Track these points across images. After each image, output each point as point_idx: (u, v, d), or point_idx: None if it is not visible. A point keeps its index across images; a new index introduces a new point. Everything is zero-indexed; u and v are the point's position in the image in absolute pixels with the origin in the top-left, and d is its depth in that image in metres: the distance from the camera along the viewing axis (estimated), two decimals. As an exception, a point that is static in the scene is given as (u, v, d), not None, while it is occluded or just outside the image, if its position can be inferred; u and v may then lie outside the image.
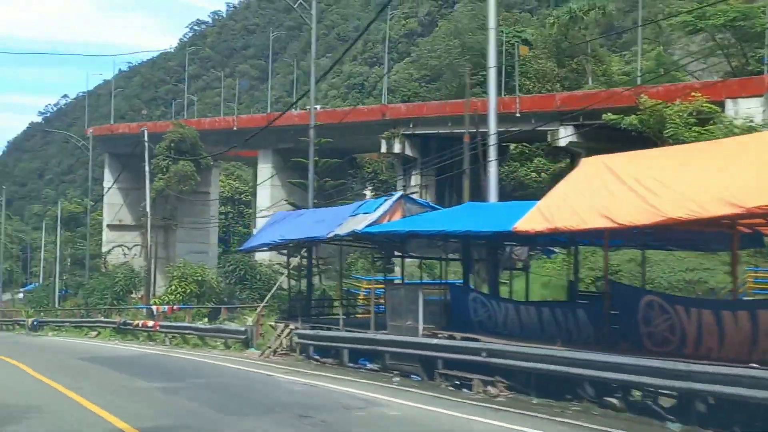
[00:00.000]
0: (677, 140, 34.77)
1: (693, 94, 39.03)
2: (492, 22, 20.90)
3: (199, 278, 34.55)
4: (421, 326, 16.18)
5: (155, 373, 17.58)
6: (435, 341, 15.58)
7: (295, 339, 17.69)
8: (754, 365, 10.43)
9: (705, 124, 37.74)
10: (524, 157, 60.90)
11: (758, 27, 45.10)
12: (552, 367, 12.85)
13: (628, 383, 11.97)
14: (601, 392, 12.36)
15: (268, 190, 70.78)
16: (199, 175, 59.45)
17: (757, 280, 26.66)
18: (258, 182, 72.00)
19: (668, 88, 43.90)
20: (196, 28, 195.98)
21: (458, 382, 14.81)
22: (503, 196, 23.93)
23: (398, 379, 16.01)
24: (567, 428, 11.14)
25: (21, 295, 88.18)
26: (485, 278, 18.12)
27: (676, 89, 42.68)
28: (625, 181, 12.29)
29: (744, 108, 40.07)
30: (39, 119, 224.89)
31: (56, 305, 52.36)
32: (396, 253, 19.33)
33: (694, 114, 38.02)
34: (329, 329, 18.38)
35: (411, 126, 60.45)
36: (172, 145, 53.57)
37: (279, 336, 18.48)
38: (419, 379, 15.76)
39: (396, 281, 23.10)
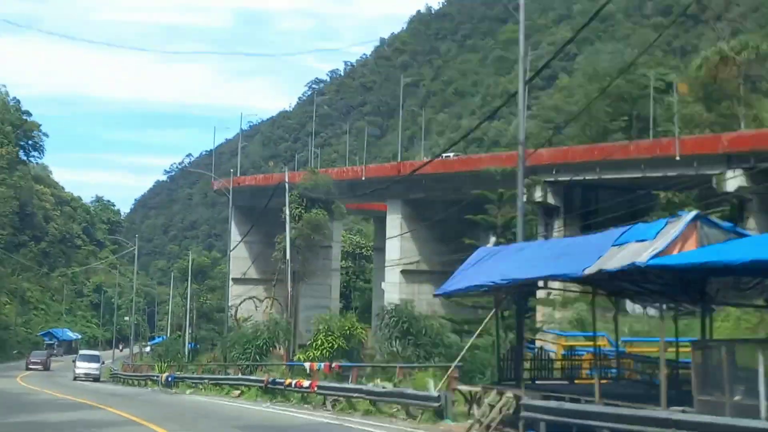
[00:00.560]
0: None
1: None
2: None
3: (347, 332, 30.84)
4: (765, 405, 10.84)
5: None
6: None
7: (522, 412, 13.18)
8: None
9: None
10: (673, 207, 55.33)
11: None
12: None
13: None
14: None
15: (397, 242, 67.11)
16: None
17: None
18: (388, 234, 68.31)
19: None
20: (314, 86, 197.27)
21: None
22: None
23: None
24: None
25: (148, 349, 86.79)
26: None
27: None
28: None
29: None
30: (164, 178, 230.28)
31: (186, 359, 49.69)
32: (685, 297, 13.70)
33: None
34: (575, 401, 13.52)
35: (554, 172, 55.68)
36: (305, 192, 50.60)
37: (491, 406, 14.23)
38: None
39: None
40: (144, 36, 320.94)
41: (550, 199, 56.99)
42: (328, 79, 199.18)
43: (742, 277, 12.24)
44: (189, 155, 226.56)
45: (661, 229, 11.83)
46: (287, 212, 40.82)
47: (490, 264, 14.77)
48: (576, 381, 16.28)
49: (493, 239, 32.02)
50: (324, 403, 21.65)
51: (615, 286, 14.01)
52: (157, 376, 39.81)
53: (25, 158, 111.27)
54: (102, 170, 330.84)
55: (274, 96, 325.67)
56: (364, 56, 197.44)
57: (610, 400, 12.88)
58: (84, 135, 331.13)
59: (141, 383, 44.06)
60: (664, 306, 14.02)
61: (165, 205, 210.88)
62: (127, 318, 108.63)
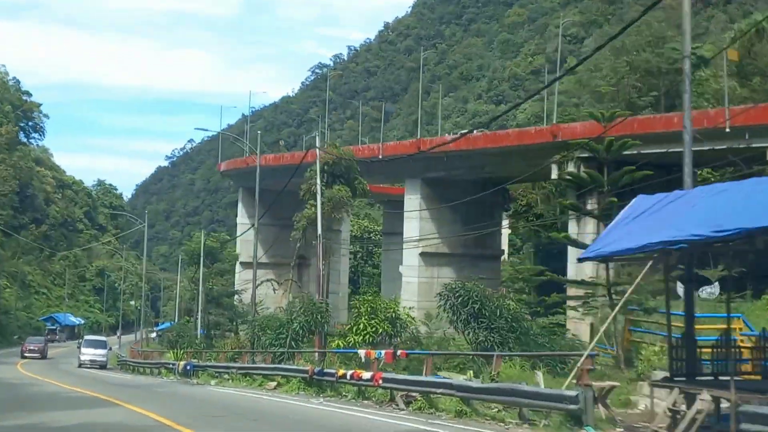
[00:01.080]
0: None
1: None
2: None
3: (392, 314, 26.51)
4: None
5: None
6: None
7: (742, 424, 8.95)
8: None
9: None
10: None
11: None
12: None
13: None
14: None
15: (416, 223, 62.96)
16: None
17: None
18: (405, 215, 64.08)
19: None
20: (317, 71, 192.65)
21: None
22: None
23: None
24: None
25: (153, 335, 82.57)
26: None
27: None
28: None
29: None
30: (166, 163, 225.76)
31: (203, 346, 45.20)
32: None
33: None
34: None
35: (588, 147, 51.18)
36: (326, 168, 46.32)
37: (672, 411, 10.07)
38: None
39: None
40: (148, 23, 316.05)
41: (584, 176, 52.57)
42: (332, 64, 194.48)
43: None
44: (191, 140, 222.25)
45: None
46: (318, 181, 36.52)
47: (651, 219, 10.65)
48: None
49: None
50: (392, 400, 17.24)
51: None
52: (173, 364, 35.27)
53: (25, 140, 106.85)
54: (103, 156, 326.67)
55: (276, 82, 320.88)
56: (368, 41, 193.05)
57: None
58: (85, 120, 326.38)
59: (154, 372, 39.70)
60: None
61: (167, 191, 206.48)
62: (132, 302, 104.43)
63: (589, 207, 53.32)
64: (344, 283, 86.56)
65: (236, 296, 70.91)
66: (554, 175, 52.80)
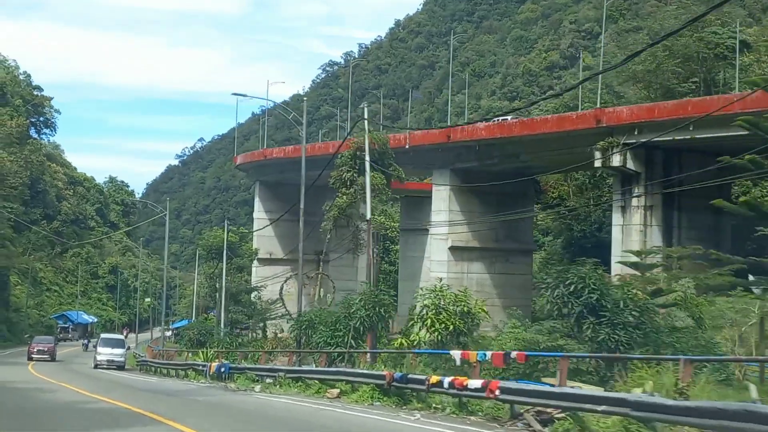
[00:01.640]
0: None
1: None
2: None
3: (462, 308, 22.20)
4: None
5: None
6: None
7: None
8: None
9: None
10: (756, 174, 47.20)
11: None
12: None
13: None
14: None
15: (445, 217, 58.91)
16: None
17: None
18: (434, 206, 60.05)
19: None
20: (328, 69, 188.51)
21: None
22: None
23: None
24: None
25: (168, 333, 78.44)
26: None
27: None
28: None
29: None
30: (176, 162, 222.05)
31: (231, 344, 40.76)
32: None
33: None
34: None
35: (636, 133, 46.93)
36: (358, 154, 42.29)
37: None
38: None
39: None
40: (154, 22, 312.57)
41: (630, 165, 48.40)
42: (343, 62, 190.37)
43: None
44: (201, 140, 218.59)
45: None
46: (367, 154, 32.52)
47: None
48: None
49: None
50: (514, 418, 12.87)
51: None
52: (203, 366, 31.04)
53: (36, 136, 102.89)
54: (111, 156, 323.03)
55: (286, 81, 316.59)
56: (378, 38, 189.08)
57: None
58: (91, 120, 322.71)
59: (180, 374, 35.33)
60: None
61: (177, 190, 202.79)
62: (148, 299, 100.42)
63: (635, 198, 49.38)
64: (362, 280, 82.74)
65: (255, 293, 67.12)
66: (597, 162, 48.47)
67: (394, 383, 17.29)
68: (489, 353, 15.70)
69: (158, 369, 40.93)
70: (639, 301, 18.85)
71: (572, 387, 12.91)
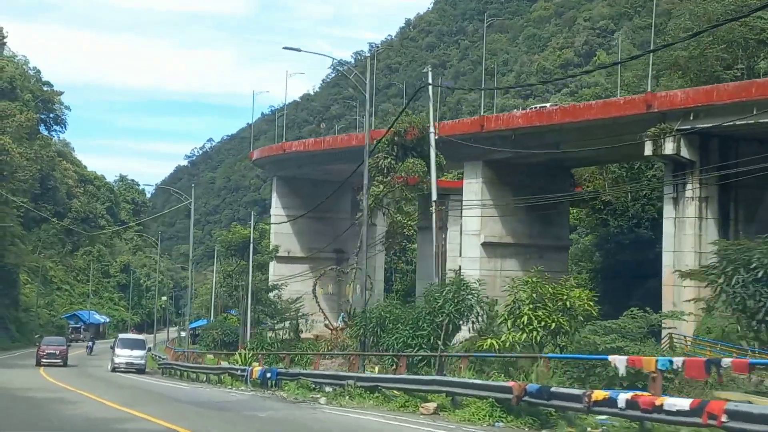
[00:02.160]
0: None
1: None
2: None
3: (564, 303, 17.96)
4: None
5: None
6: None
7: None
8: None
9: None
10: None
11: None
12: None
13: None
14: None
15: (477, 211, 54.90)
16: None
17: None
18: (464, 201, 55.95)
19: None
20: (338, 68, 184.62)
21: None
22: None
23: None
24: None
25: (184, 333, 74.40)
26: None
27: None
28: None
29: None
30: (185, 163, 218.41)
31: (274, 346, 36.44)
32: None
33: None
34: None
35: (691, 118, 42.76)
36: (395, 139, 38.25)
37: None
38: None
39: None
40: (162, 23, 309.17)
41: (684, 153, 44.16)
42: (353, 61, 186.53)
43: None
44: (210, 140, 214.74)
45: None
46: (432, 120, 28.43)
47: None
48: None
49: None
50: None
51: None
52: (243, 371, 26.86)
53: (46, 133, 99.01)
54: (120, 157, 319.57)
55: (293, 81, 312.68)
56: (389, 37, 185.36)
57: None
58: (100, 121, 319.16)
59: (212, 379, 30.95)
60: None
61: (186, 190, 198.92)
62: (164, 297, 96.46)
63: (689, 188, 45.22)
64: (380, 280, 79.24)
65: (276, 291, 63.38)
66: (648, 151, 44.30)
67: (527, 398, 12.94)
68: (678, 360, 11.42)
69: (184, 373, 36.56)
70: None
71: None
